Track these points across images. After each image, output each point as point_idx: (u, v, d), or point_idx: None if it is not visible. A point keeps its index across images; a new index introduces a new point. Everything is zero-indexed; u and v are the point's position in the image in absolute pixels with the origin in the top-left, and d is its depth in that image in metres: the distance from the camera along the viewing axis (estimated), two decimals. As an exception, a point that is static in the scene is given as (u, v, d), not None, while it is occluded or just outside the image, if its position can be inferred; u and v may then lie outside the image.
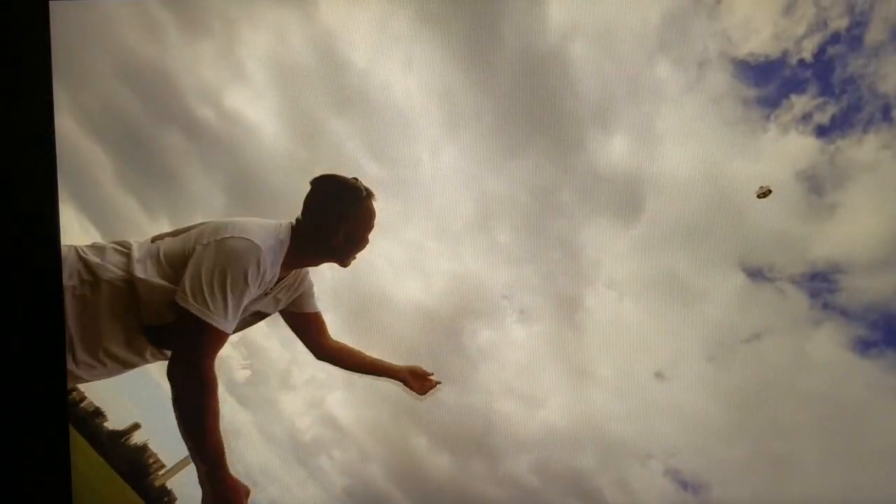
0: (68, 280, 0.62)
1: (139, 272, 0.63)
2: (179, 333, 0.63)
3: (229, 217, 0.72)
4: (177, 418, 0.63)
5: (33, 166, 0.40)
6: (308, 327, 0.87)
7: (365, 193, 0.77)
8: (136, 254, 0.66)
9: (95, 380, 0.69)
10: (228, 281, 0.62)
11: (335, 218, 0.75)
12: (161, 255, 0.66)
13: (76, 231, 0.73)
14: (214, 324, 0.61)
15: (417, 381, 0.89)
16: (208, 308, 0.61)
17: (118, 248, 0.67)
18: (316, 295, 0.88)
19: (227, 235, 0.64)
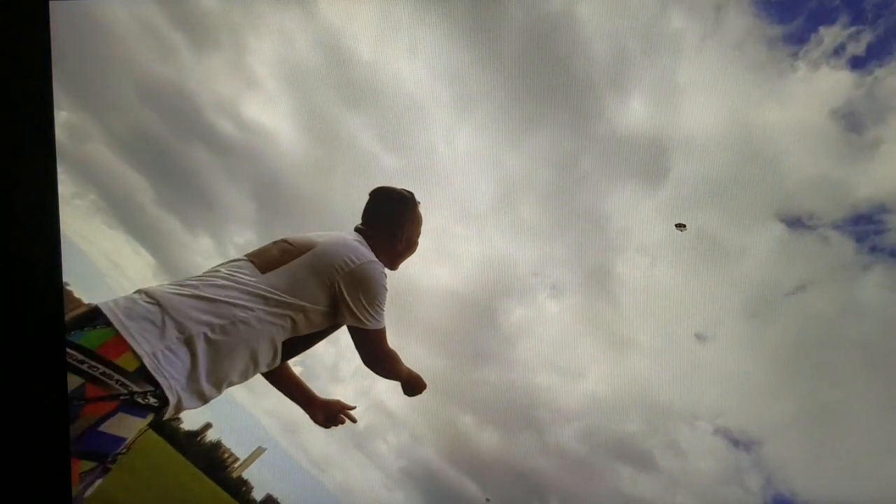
0: (197, 327, 0.59)
1: (294, 299, 0.68)
2: (364, 344, 0.81)
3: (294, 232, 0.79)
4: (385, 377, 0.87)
5: (34, 166, 0.39)
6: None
7: (417, 202, 0.88)
8: (263, 284, 0.67)
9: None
10: (381, 298, 0.78)
11: (398, 225, 0.87)
12: (292, 282, 0.69)
13: (129, 254, 0.71)
14: (384, 327, 0.81)
15: (339, 411, 0.94)
16: (379, 322, 0.79)
17: (240, 283, 0.66)
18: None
19: (364, 261, 0.77)
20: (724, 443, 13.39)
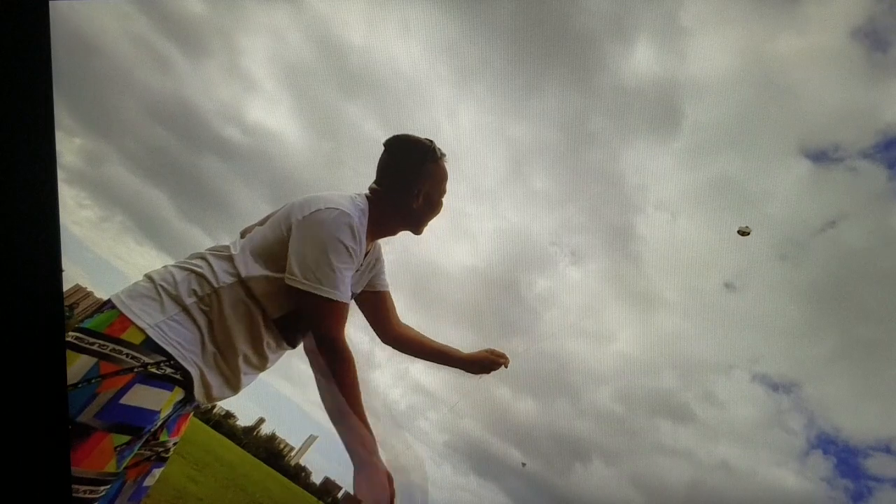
0: (188, 298, 0.60)
1: (246, 270, 0.63)
2: (304, 316, 0.65)
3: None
4: (323, 401, 0.67)
5: (34, 166, 0.38)
6: (380, 306, 0.82)
7: (440, 154, 0.74)
8: (235, 252, 0.65)
9: (234, 393, 0.68)
10: (330, 251, 0.62)
11: (414, 179, 0.73)
12: (257, 245, 0.66)
13: (160, 266, 0.71)
14: (330, 296, 0.62)
15: (492, 362, 0.84)
16: (321, 283, 0.61)
17: (217, 252, 0.66)
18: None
19: (315, 209, 0.64)
20: (762, 388, 12.91)
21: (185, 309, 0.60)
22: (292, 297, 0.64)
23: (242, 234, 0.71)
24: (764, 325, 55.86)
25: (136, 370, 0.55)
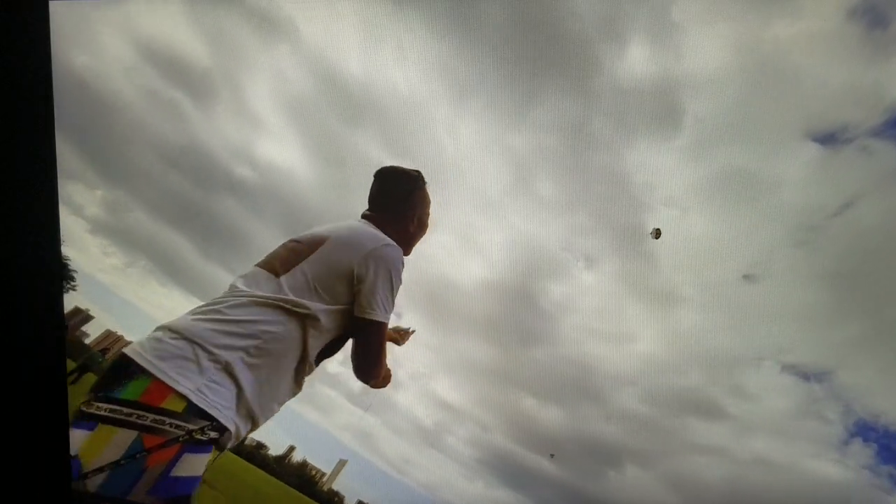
0: (227, 354, 0.56)
1: (306, 310, 0.62)
2: (357, 339, 0.70)
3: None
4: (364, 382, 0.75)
5: (34, 166, 0.37)
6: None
7: (425, 181, 0.82)
8: (281, 295, 0.62)
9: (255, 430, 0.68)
10: (394, 284, 0.69)
11: (409, 205, 0.80)
12: (311, 283, 0.64)
13: (187, 307, 0.66)
14: (385, 320, 0.69)
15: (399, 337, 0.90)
16: (385, 312, 0.68)
17: (255, 298, 0.61)
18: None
19: (380, 245, 0.69)
20: (793, 379, 12.35)
21: (226, 367, 0.56)
22: (340, 325, 0.67)
23: (283, 273, 0.66)
24: (788, 314, 53.85)
25: (181, 440, 0.51)
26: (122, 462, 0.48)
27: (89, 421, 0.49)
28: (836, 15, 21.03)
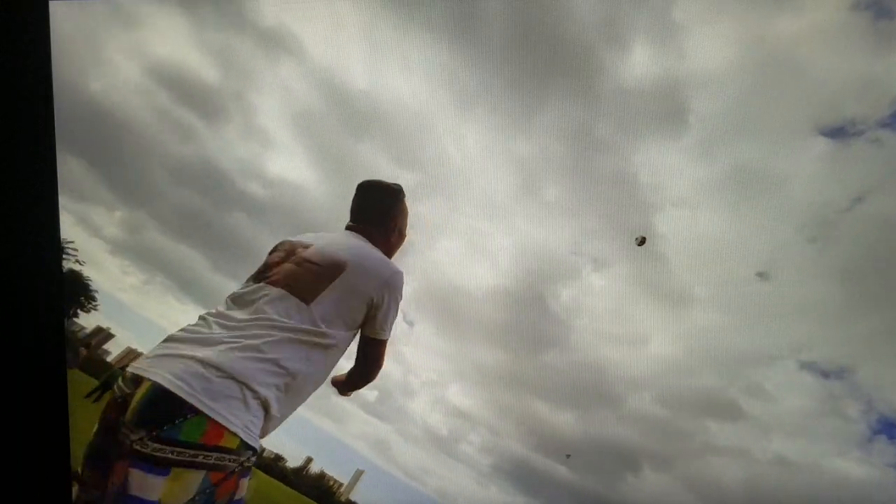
0: (266, 391, 0.60)
1: (335, 339, 0.68)
2: (370, 355, 0.78)
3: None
4: (350, 388, 0.83)
5: (34, 166, 0.38)
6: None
7: (404, 193, 0.87)
8: (321, 325, 0.67)
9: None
10: (399, 307, 0.77)
11: (391, 217, 0.84)
12: (335, 311, 0.68)
13: None
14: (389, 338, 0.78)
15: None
16: (391, 332, 0.77)
17: (293, 336, 0.64)
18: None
19: (392, 273, 0.75)
20: (812, 377, 11.77)
21: (264, 402, 0.61)
22: (349, 344, 0.73)
23: (288, 289, 0.68)
24: (804, 311, 52.34)
25: (237, 470, 0.58)
26: (196, 498, 0.54)
27: (159, 465, 0.53)
28: (841, 7, 20.73)
